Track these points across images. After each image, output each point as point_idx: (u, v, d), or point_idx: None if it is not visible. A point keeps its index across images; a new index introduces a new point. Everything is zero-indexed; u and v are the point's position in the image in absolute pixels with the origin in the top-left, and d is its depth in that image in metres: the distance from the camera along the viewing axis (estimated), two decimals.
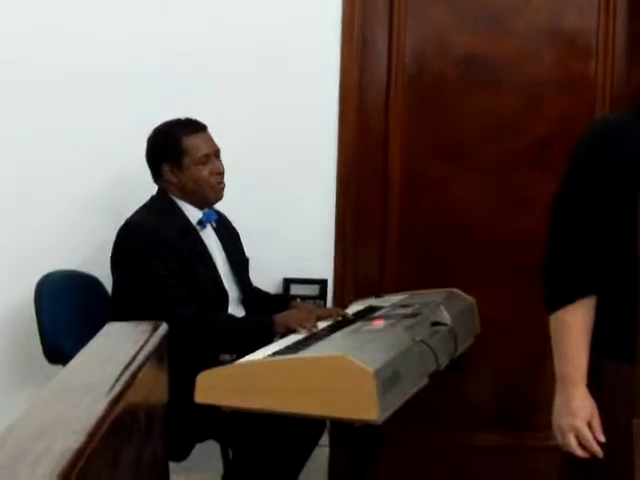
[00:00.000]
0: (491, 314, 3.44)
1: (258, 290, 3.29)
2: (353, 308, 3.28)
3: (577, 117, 3.49)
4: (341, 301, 3.46)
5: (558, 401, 2.14)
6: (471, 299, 3.31)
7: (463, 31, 3.59)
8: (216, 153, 3.08)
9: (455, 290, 3.33)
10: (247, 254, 3.27)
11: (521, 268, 3.43)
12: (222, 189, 3.08)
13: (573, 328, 2.10)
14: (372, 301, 3.36)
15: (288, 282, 3.46)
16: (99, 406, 1.26)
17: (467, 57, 3.59)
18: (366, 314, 3.09)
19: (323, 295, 3.46)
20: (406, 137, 3.63)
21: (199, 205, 3.07)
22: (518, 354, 3.57)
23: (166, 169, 3.04)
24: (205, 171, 3.03)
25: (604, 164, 2.06)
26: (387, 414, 2.42)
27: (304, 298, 3.35)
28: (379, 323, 2.84)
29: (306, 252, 3.51)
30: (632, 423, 2.01)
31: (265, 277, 3.41)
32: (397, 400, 2.49)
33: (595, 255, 2.09)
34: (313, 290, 3.46)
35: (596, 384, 2.11)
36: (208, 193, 3.05)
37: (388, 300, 3.30)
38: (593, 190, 2.08)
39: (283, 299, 3.31)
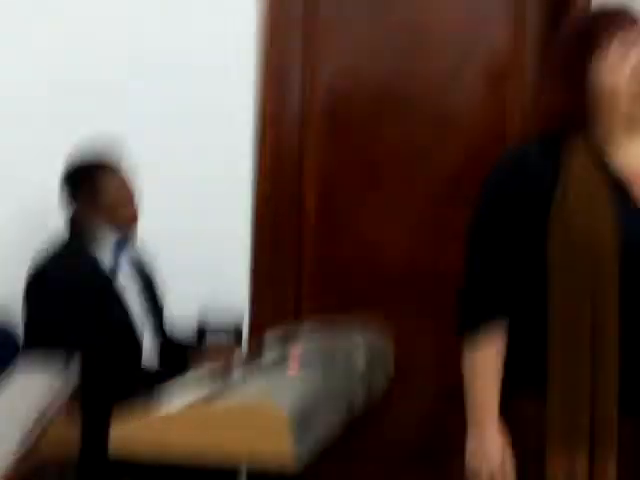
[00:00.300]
0: (406, 348, 3.46)
1: (173, 337, 3.27)
2: (269, 343, 3.26)
3: (490, 143, 3.55)
4: (257, 334, 3.43)
5: (471, 443, 2.16)
6: (387, 339, 3.32)
7: (377, 62, 3.63)
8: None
9: (371, 330, 3.33)
10: (160, 286, 3.26)
11: (437, 301, 3.44)
12: (136, 215, 3.10)
13: (485, 359, 2.12)
14: (288, 333, 3.34)
15: (202, 320, 3.45)
16: (4, 463, 1.23)
17: (381, 85, 3.64)
18: (282, 352, 3.08)
19: (239, 336, 3.47)
20: (321, 169, 3.66)
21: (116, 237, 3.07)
22: (436, 391, 3.59)
23: (81, 206, 3.05)
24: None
25: (514, 195, 2.09)
26: (304, 459, 2.41)
27: (218, 331, 3.34)
28: (295, 368, 2.83)
29: (221, 284, 3.50)
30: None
31: (180, 312, 3.38)
32: (314, 445, 2.48)
33: (507, 286, 2.12)
34: (227, 329, 3.45)
35: (508, 421, 2.13)
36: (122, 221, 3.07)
37: (304, 337, 3.29)
38: (505, 220, 2.11)
39: (197, 344, 3.29)
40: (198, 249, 3.50)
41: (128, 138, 3.22)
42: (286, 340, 3.37)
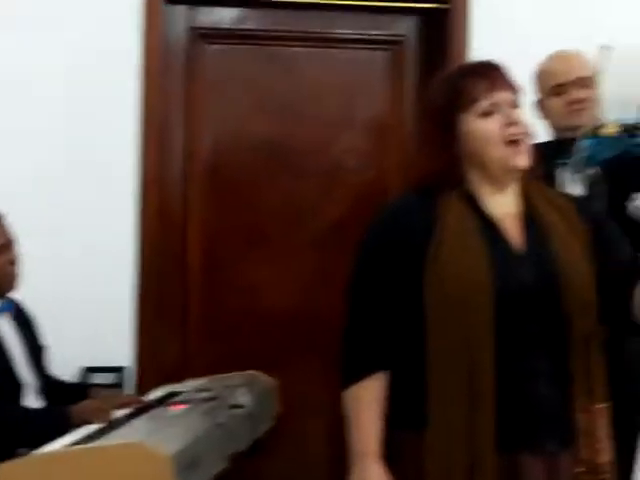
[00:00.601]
0: (294, 394, 3.48)
1: (56, 379, 3.22)
2: (154, 394, 3.25)
3: (372, 199, 3.63)
4: (142, 388, 3.42)
5: (353, 477, 2.19)
6: (272, 381, 3.33)
7: (260, 119, 3.69)
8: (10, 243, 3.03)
9: (256, 372, 3.34)
10: (45, 341, 3.20)
11: (322, 348, 3.49)
12: (16, 278, 3.02)
13: (366, 402, 2.15)
14: (173, 387, 3.34)
15: (87, 370, 3.41)
16: None
17: (264, 143, 3.69)
18: (166, 399, 3.07)
19: (121, 382, 3.42)
20: (206, 223, 3.68)
21: None
22: (320, 434, 3.62)
23: None
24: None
25: (391, 247, 2.13)
26: None
27: (103, 386, 3.30)
28: (178, 408, 2.82)
29: (105, 338, 3.48)
30: None
31: (64, 364, 3.33)
32: None
33: (386, 333, 2.16)
34: (111, 378, 3.41)
35: (390, 456, 2.17)
36: (2, 283, 3.00)
37: (189, 385, 3.29)
38: (383, 271, 2.15)
39: (82, 388, 3.24)
40: (82, 309, 3.48)
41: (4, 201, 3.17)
42: (173, 385, 3.37)
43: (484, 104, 2.10)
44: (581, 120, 2.96)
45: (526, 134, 2.13)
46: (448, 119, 2.12)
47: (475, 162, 2.13)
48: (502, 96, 2.12)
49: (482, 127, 2.10)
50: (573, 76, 3.03)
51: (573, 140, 2.90)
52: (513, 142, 2.10)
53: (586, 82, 3.01)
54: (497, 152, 2.09)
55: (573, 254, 2.13)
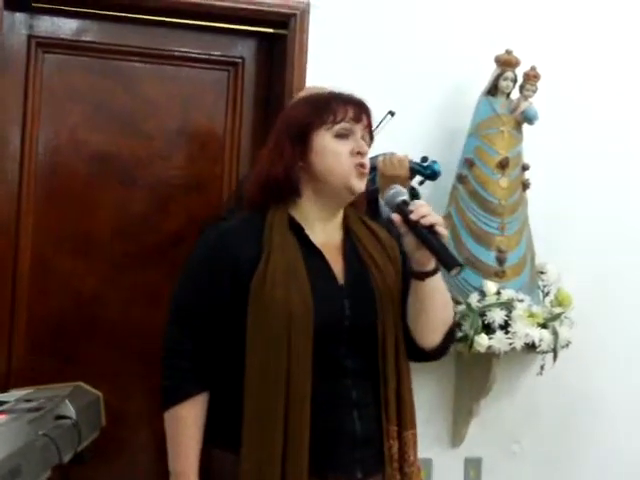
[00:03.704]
0: (119, 407, 3.49)
1: None
2: None
3: (204, 216, 3.66)
4: None
5: None
6: (97, 392, 3.33)
7: (95, 131, 3.67)
8: None
9: (81, 384, 3.33)
10: None
11: (149, 361, 3.50)
12: None
13: (186, 423, 2.19)
14: None
15: None
16: None
17: (99, 155, 3.68)
18: None
19: None
20: (37, 231, 3.63)
21: None
22: (146, 446, 3.63)
23: None
24: None
25: (217, 269, 2.18)
26: None
27: None
28: (1, 417, 2.79)
29: None
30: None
31: None
32: None
33: (208, 355, 2.20)
34: None
35: (210, 475, 2.22)
36: None
37: (13, 395, 3.25)
38: (206, 295, 2.19)
39: None
40: None
41: None
42: None
43: (344, 127, 2.20)
44: None
45: (368, 167, 2.24)
46: (306, 132, 2.21)
47: (317, 178, 2.20)
48: (360, 129, 2.23)
49: (335, 145, 2.20)
50: None
51: None
52: (358, 165, 2.21)
53: None
54: (343, 169, 2.19)
55: (390, 287, 2.23)
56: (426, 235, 2.09)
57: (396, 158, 2.75)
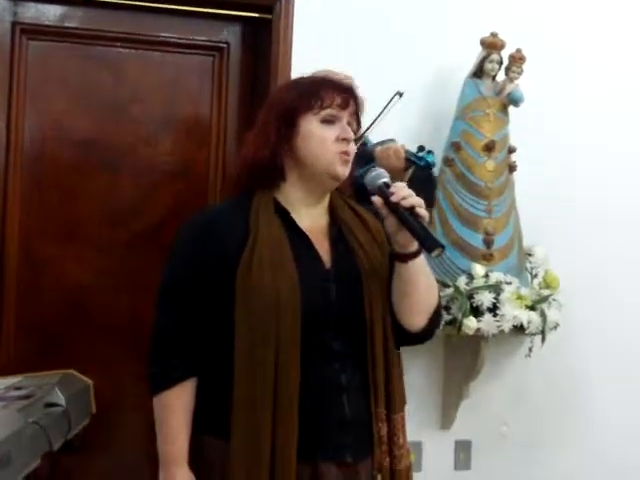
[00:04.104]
0: (109, 394, 3.49)
1: None
2: None
3: (191, 202, 3.68)
4: None
5: (162, 478, 2.23)
6: (87, 380, 3.34)
7: (81, 117, 3.66)
8: None
9: (71, 371, 3.34)
10: None
11: (139, 348, 3.50)
12: None
13: (175, 409, 2.20)
14: None
15: None
16: None
17: (85, 142, 3.66)
18: None
19: None
20: (24, 218, 3.62)
21: None
22: (136, 433, 3.63)
23: None
24: None
25: (203, 254, 2.18)
26: None
27: None
28: None
29: None
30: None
31: None
32: None
33: (196, 341, 2.20)
34: None
35: (198, 461, 2.22)
36: None
37: (3, 383, 3.25)
38: (193, 279, 2.19)
39: None
40: None
41: None
42: None
43: (330, 112, 2.20)
44: None
45: (352, 153, 2.24)
46: (292, 116, 2.21)
47: (302, 162, 2.21)
48: (347, 115, 2.22)
49: (321, 130, 2.20)
50: None
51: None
52: (343, 153, 2.21)
53: None
54: (327, 155, 2.19)
55: (377, 271, 2.24)
56: (407, 217, 2.10)
57: (392, 149, 2.74)
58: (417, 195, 2.13)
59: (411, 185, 2.19)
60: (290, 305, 2.11)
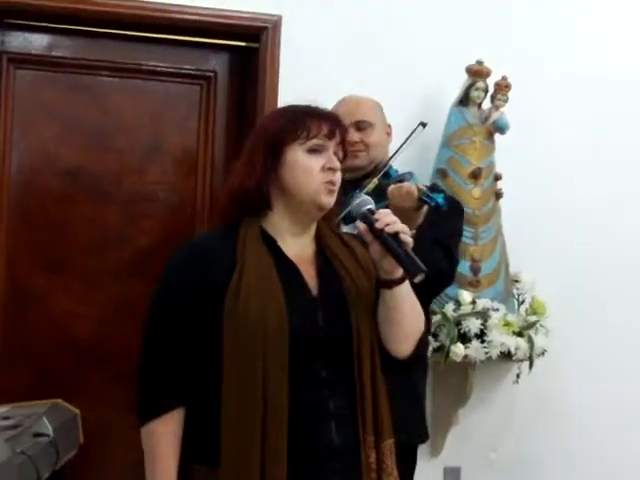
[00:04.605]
0: (97, 423, 3.48)
1: None
2: None
3: (179, 231, 3.69)
4: None
5: None
6: (74, 410, 3.33)
7: (68, 146, 3.68)
8: None
9: (59, 401, 3.33)
10: None
11: (126, 377, 3.49)
12: None
13: (163, 438, 2.18)
14: None
15: None
16: None
17: (72, 171, 3.68)
18: None
19: None
20: (11, 250, 3.62)
21: None
22: (125, 463, 3.61)
23: None
24: None
25: (191, 283, 2.17)
26: None
27: None
28: None
29: None
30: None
31: None
32: None
33: (185, 369, 2.20)
34: None
35: None
36: None
37: None
38: (181, 308, 2.19)
39: None
40: None
41: None
42: None
43: (317, 142, 2.21)
44: (355, 162, 3.09)
45: (338, 183, 2.25)
46: (279, 145, 2.21)
47: (288, 192, 2.21)
48: (333, 145, 2.24)
49: (307, 160, 2.20)
50: (352, 119, 3.15)
51: (352, 181, 3.06)
52: (328, 183, 2.22)
53: (362, 125, 3.16)
54: (313, 185, 2.20)
55: (364, 298, 2.24)
56: (391, 243, 2.12)
57: (405, 189, 2.72)
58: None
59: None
60: (278, 333, 2.11)
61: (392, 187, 2.77)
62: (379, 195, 2.84)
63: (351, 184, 3.03)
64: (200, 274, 2.17)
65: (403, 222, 2.51)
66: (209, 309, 2.14)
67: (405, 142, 3.13)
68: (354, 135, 3.12)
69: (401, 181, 2.91)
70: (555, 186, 4.02)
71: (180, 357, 2.19)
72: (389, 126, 3.26)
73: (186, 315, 2.18)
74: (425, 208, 2.72)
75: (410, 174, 3.27)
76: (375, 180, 2.98)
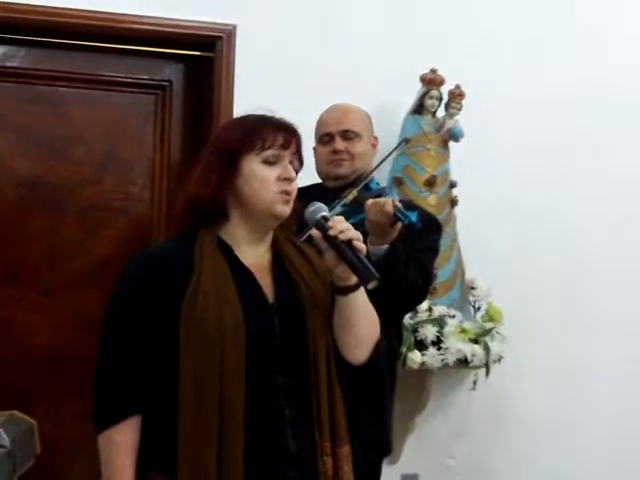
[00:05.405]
0: (54, 434, 3.46)
1: None
2: None
3: (134, 240, 3.68)
4: None
5: None
6: (31, 421, 3.31)
7: (23, 157, 3.66)
8: None
9: (15, 412, 3.31)
10: None
11: (83, 387, 3.46)
12: None
13: (120, 446, 2.18)
14: None
15: None
16: None
17: (27, 181, 3.66)
18: None
19: None
20: None
21: None
22: (82, 473, 3.59)
23: None
24: None
25: (147, 290, 2.17)
26: None
27: None
28: None
29: None
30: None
31: None
32: None
33: (141, 377, 2.20)
34: None
35: None
36: None
37: None
38: (137, 315, 2.19)
39: None
40: None
41: None
42: None
43: (272, 153, 2.22)
44: (338, 171, 3.11)
45: (294, 192, 2.27)
46: (235, 155, 2.22)
47: (244, 202, 2.22)
48: (288, 155, 2.25)
49: (263, 170, 2.22)
50: (339, 128, 3.15)
51: (334, 190, 3.08)
52: (283, 192, 2.23)
53: (349, 135, 3.16)
54: (268, 196, 2.21)
55: (320, 304, 2.25)
56: (344, 250, 2.14)
57: (381, 204, 2.73)
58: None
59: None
60: (235, 339, 2.11)
61: (369, 202, 2.78)
62: (357, 207, 2.87)
63: (332, 193, 3.05)
64: (157, 280, 2.17)
65: (378, 236, 2.53)
66: (165, 315, 2.15)
67: (388, 156, 3.16)
68: (340, 144, 3.12)
69: (380, 195, 2.92)
70: (510, 193, 4.05)
71: (136, 364, 2.18)
72: (375, 138, 3.24)
73: (141, 322, 2.18)
74: (399, 224, 2.74)
75: (390, 188, 3.29)
76: (354, 192, 2.98)
